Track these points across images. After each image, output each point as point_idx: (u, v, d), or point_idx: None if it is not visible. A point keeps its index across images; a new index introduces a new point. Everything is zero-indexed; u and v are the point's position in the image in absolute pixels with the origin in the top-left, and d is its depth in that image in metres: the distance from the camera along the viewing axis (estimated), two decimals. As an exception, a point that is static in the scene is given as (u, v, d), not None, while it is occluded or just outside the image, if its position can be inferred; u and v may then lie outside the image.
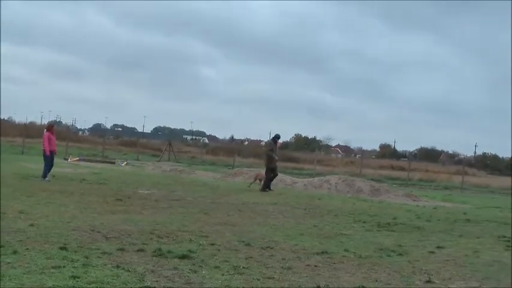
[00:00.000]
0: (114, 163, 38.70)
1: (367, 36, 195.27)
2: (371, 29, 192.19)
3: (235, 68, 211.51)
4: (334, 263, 8.62)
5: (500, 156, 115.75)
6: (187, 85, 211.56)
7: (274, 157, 22.87)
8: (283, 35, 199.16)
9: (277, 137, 23.95)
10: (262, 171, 23.88)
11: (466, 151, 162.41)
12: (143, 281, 6.65)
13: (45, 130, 21.35)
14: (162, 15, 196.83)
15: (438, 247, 10.90)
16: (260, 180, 23.50)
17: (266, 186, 22.46)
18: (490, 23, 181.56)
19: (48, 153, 20.28)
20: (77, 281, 6.38)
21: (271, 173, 22.88)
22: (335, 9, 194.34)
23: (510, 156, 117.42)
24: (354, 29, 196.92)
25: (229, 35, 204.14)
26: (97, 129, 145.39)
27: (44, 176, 19.94)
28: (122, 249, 8.37)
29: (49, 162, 20.30)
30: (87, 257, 7.60)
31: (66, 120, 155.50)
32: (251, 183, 23.98)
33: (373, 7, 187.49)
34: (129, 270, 7.07)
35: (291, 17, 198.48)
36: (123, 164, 37.82)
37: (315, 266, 8.31)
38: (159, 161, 49.20)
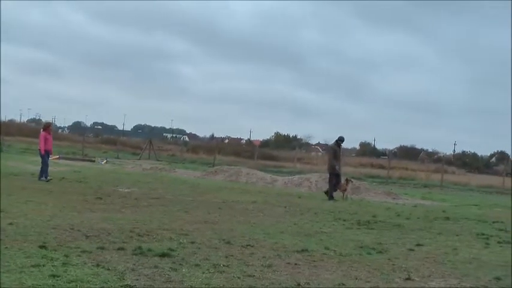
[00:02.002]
0: (94, 161, 38.55)
1: (346, 35, 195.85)
2: (350, 27, 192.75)
3: (215, 66, 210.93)
4: (314, 261, 8.65)
5: (479, 154, 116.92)
6: (167, 83, 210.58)
7: (333, 164, 21.20)
8: (261, 33, 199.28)
9: (340, 139, 21.88)
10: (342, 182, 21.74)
11: (446, 149, 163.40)
12: (123, 279, 6.63)
13: (41, 130, 21.34)
14: (139, 13, 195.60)
15: (418, 245, 10.98)
16: (344, 190, 21.51)
17: (331, 194, 20.92)
18: (469, 21, 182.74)
19: (43, 152, 20.19)
20: (57, 280, 6.35)
21: (335, 179, 21.24)
22: (313, 7, 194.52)
23: (489, 155, 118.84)
24: (333, 27, 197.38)
25: (207, 33, 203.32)
26: (77, 127, 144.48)
27: (41, 175, 19.80)
28: (101, 248, 8.34)
29: (46, 162, 20.17)
30: (66, 256, 7.56)
31: (46, 118, 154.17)
32: (344, 195, 21.50)
33: (352, 5, 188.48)
34: (109, 269, 7.05)
35: (270, 15, 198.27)
36: (103, 162, 37.68)
37: (295, 264, 8.33)
38: (139, 159, 48.99)
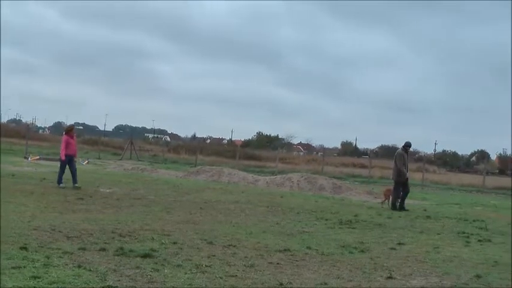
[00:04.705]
0: (75, 162, 38.29)
1: (323, 33, 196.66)
2: (327, 25, 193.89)
3: (192, 65, 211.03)
4: (296, 260, 8.67)
5: (460, 153, 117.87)
6: (145, 82, 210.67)
7: (403, 171, 19.60)
8: (238, 31, 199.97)
9: (407, 145, 20.39)
10: (391, 187, 20.27)
11: (426, 149, 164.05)
12: (105, 280, 6.61)
13: (63, 133, 20.27)
14: (114, 10, 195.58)
15: (399, 243, 11.04)
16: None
17: (394, 205, 19.22)
18: (447, 19, 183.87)
19: (63, 158, 19.17)
20: (38, 281, 6.31)
21: (401, 188, 19.57)
22: (289, 5, 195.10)
23: (469, 154, 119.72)
24: (309, 25, 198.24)
25: (184, 32, 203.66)
26: (58, 128, 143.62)
27: (59, 181, 18.86)
28: (83, 249, 8.30)
29: (64, 167, 19.14)
30: (48, 257, 7.52)
31: (26, 118, 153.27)
32: (383, 202, 20.15)
33: (329, 3, 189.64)
34: (91, 270, 7.02)
35: (246, 13, 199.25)
36: (84, 163, 37.44)
37: (278, 263, 8.34)
38: (120, 159, 48.81)
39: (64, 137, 19.60)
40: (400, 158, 19.71)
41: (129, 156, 52.69)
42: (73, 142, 19.58)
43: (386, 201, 19.87)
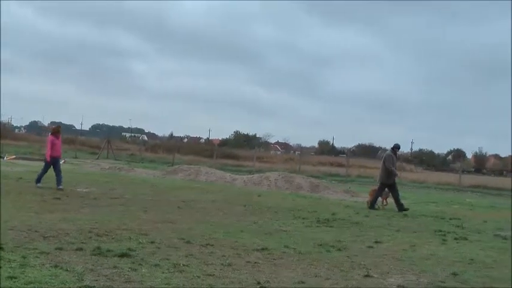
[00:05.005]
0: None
1: (301, 31, 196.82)
2: (304, 23, 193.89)
3: (168, 64, 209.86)
4: (274, 259, 8.68)
5: (436, 152, 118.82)
6: (121, 81, 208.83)
7: (395, 172, 19.61)
8: (215, 30, 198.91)
9: (397, 147, 20.48)
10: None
11: (403, 147, 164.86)
12: (82, 280, 6.58)
13: (49, 134, 19.80)
14: (90, 8, 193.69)
15: (376, 242, 11.10)
16: (385, 198, 19.67)
17: (372, 204, 19.05)
18: (426, 18, 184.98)
19: (49, 159, 18.76)
20: (14, 282, 6.27)
21: (385, 188, 19.47)
22: (266, 3, 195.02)
23: (446, 153, 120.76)
24: (287, 24, 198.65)
25: (160, 30, 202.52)
26: (34, 127, 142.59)
27: (37, 181, 18.63)
28: (60, 249, 8.25)
29: (48, 168, 18.84)
30: (24, 257, 7.47)
31: (2, 117, 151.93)
32: (382, 202, 19.66)
33: (308, 2, 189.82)
34: (68, 270, 6.98)
35: (223, 12, 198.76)
36: (61, 162, 37.22)
37: (255, 262, 8.35)
38: (97, 158, 48.57)
39: (50, 138, 19.17)
40: (389, 160, 19.58)
41: (106, 155, 52.47)
42: (58, 143, 19.14)
43: (384, 201, 19.66)
